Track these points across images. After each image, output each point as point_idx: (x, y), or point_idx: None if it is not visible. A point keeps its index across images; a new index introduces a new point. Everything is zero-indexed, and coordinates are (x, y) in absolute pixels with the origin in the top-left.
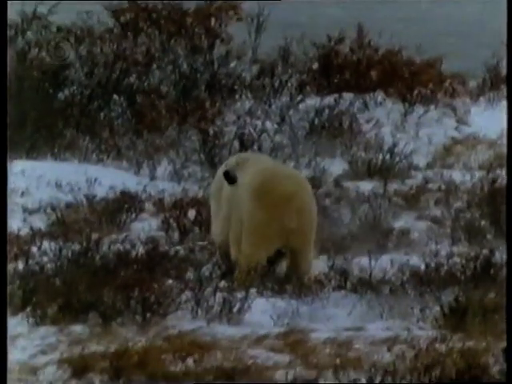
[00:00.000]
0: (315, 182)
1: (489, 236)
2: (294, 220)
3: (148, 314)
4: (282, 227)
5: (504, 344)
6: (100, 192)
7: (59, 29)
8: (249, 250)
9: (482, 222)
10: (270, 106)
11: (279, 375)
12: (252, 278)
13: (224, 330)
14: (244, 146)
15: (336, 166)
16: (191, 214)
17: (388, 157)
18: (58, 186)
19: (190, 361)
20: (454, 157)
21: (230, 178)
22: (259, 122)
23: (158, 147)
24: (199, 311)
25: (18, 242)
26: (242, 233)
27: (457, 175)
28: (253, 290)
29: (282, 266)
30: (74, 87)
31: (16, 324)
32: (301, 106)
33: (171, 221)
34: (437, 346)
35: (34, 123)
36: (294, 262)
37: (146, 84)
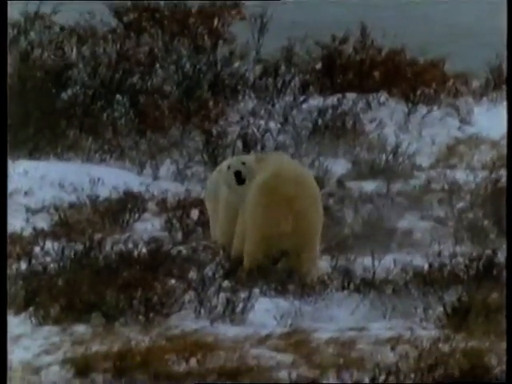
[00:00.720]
0: (318, 182)
1: (492, 236)
2: (290, 224)
3: (151, 314)
4: (278, 230)
5: None
6: (103, 192)
7: (62, 29)
8: (251, 248)
9: (485, 222)
10: (273, 106)
11: (282, 375)
12: (255, 276)
13: (227, 330)
14: (247, 146)
15: (339, 166)
16: (194, 214)
17: (391, 157)
18: (61, 186)
19: (193, 361)
20: (457, 157)
21: (241, 179)
22: (262, 122)
23: (161, 147)
24: (202, 311)
25: (21, 242)
26: None
27: (460, 175)
28: (256, 290)
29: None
30: (77, 87)
31: (19, 324)
32: (304, 106)
33: (174, 221)
34: (440, 345)
35: (36, 123)
36: (295, 264)
37: (149, 84)
